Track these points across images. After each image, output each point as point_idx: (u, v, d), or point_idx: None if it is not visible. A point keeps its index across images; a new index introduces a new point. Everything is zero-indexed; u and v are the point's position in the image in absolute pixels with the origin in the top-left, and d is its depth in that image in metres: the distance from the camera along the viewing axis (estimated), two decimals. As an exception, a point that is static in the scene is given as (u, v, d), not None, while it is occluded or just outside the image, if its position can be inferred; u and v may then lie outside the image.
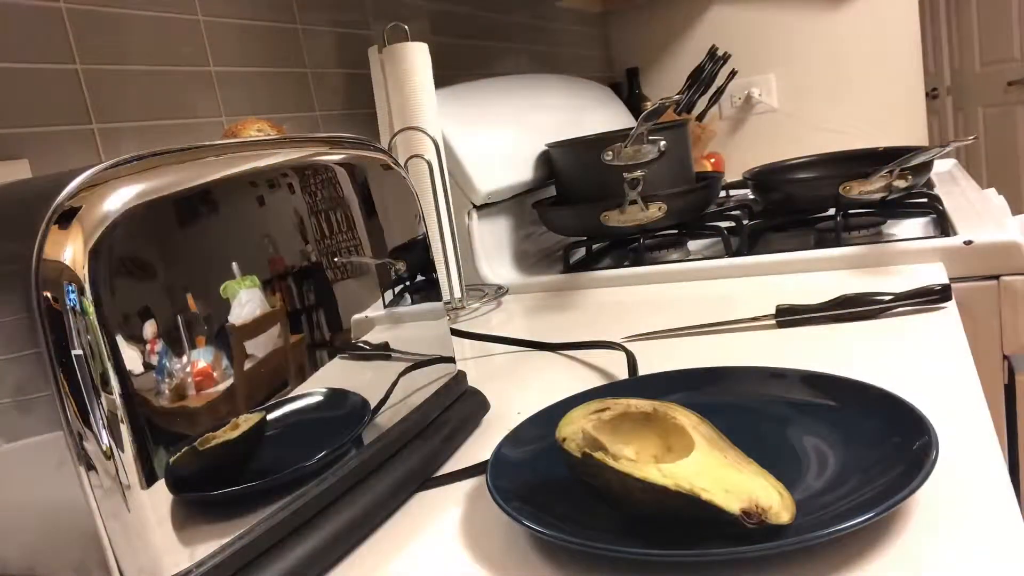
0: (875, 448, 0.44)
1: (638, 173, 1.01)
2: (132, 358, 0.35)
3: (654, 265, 1.03)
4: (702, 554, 0.37)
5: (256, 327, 0.43)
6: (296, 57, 1.02)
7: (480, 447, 0.58)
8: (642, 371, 0.67)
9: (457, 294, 1.00)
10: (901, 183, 1.01)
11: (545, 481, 0.47)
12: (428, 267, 0.62)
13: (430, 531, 0.47)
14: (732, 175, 1.56)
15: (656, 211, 1.00)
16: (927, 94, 1.97)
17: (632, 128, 1.00)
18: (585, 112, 1.53)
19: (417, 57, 0.99)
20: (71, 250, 0.34)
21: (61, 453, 0.35)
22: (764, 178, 1.25)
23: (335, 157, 0.52)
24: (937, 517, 0.39)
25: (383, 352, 0.53)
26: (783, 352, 0.67)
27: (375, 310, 0.53)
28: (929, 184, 1.16)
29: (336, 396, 0.49)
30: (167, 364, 0.38)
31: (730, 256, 1.01)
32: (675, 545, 0.39)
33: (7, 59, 0.67)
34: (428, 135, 0.98)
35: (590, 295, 1.01)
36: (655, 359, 0.70)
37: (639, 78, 2.12)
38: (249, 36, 0.95)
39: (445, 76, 1.12)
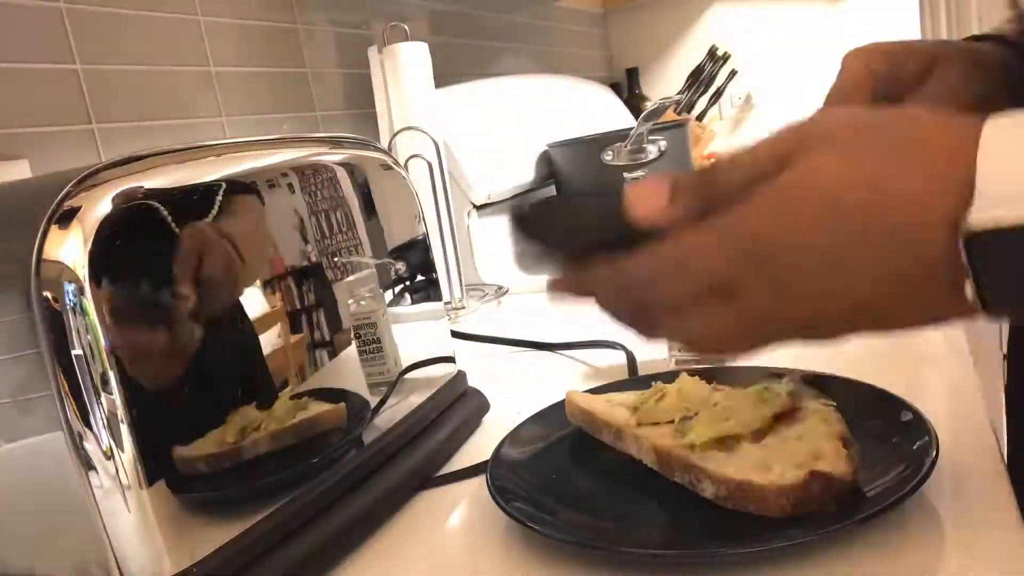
0: (875, 448, 0.44)
1: (638, 173, 1.01)
2: (132, 358, 0.35)
3: (654, 265, 1.02)
4: (702, 554, 0.37)
5: (256, 327, 0.43)
6: (296, 57, 1.02)
7: (480, 447, 0.58)
8: (642, 371, 0.67)
9: (457, 294, 1.00)
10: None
11: (545, 481, 0.47)
12: (428, 267, 0.62)
13: (430, 531, 0.47)
14: (732, 175, 1.56)
15: (656, 211, 1.00)
16: (927, 94, 1.96)
17: (632, 128, 1.00)
18: (585, 112, 1.53)
19: (417, 57, 0.99)
20: (71, 250, 0.34)
21: (61, 453, 0.35)
22: (764, 178, 1.24)
23: (335, 157, 0.52)
24: (937, 517, 0.39)
25: (383, 352, 0.53)
26: (782, 355, 0.67)
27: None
28: (929, 184, 1.16)
29: (336, 396, 0.49)
30: (167, 364, 0.38)
31: (730, 256, 1.01)
32: (675, 545, 0.39)
33: (7, 59, 0.67)
34: (428, 135, 0.98)
35: (590, 295, 1.01)
36: (655, 358, 0.70)
37: (639, 78, 2.12)
38: (249, 36, 0.95)
39: (445, 76, 1.11)
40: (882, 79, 0.43)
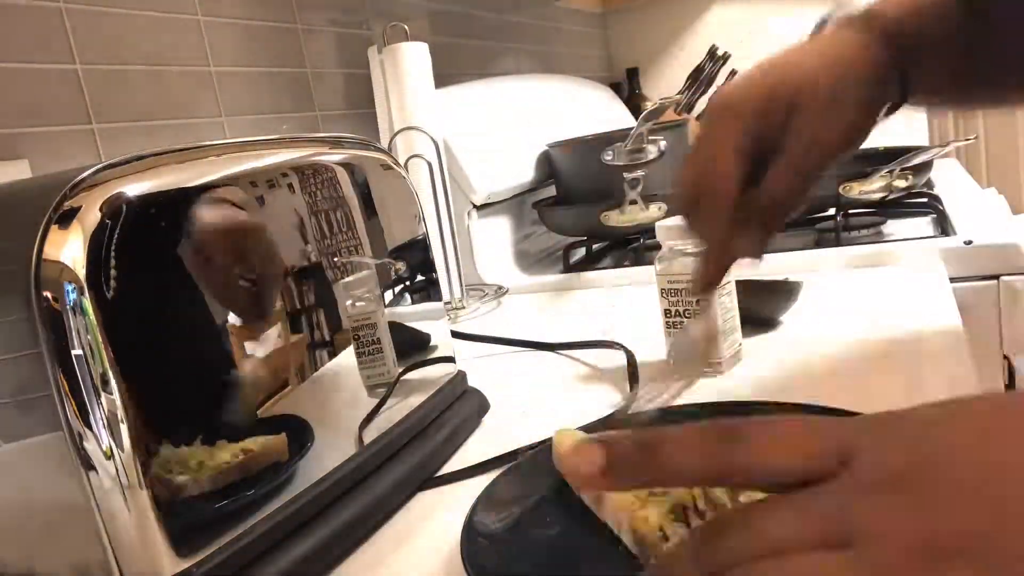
0: None
1: (638, 173, 1.01)
2: (132, 358, 0.35)
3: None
4: None
5: (256, 327, 0.43)
6: (296, 57, 1.02)
7: (480, 447, 0.58)
8: (642, 372, 0.67)
9: (457, 294, 1.00)
10: (901, 183, 1.01)
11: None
12: (428, 267, 0.62)
13: (430, 531, 0.47)
14: (732, 175, 1.56)
15: (656, 211, 1.00)
16: (927, 94, 1.96)
17: (632, 128, 1.00)
18: (585, 112, 1.53)
19: (417, 57, 0.99)
20: (71, 250, 0.34)
21: (61, 453, 0.35)
22: (764, 178, 1.24)
23: (335, 157, 0.52)
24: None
25: (383, 352, 0.53)
26: (783, 357, 0.67)
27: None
28: (929, 184, 1.16)
29: (335, 396, 0.49)
30: (167, 364, 0.38)
31: (730, 256, 1.01)
32: None
33: (7, 59, 0.67)
34: (428, 135, 0.98)
35: (590, 295, 1.01)
36: (656, 359, 0.70)
37: (639, 78, 2.11)
38: (249, 36, 0.95)
39: (445, 76, 1.11)
40: (749, 138, 0.41)
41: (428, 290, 0.61)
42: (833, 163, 0.43)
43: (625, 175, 1.01)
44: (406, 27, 1.02)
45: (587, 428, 0.54)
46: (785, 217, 0.43)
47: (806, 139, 0.41)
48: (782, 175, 0.41)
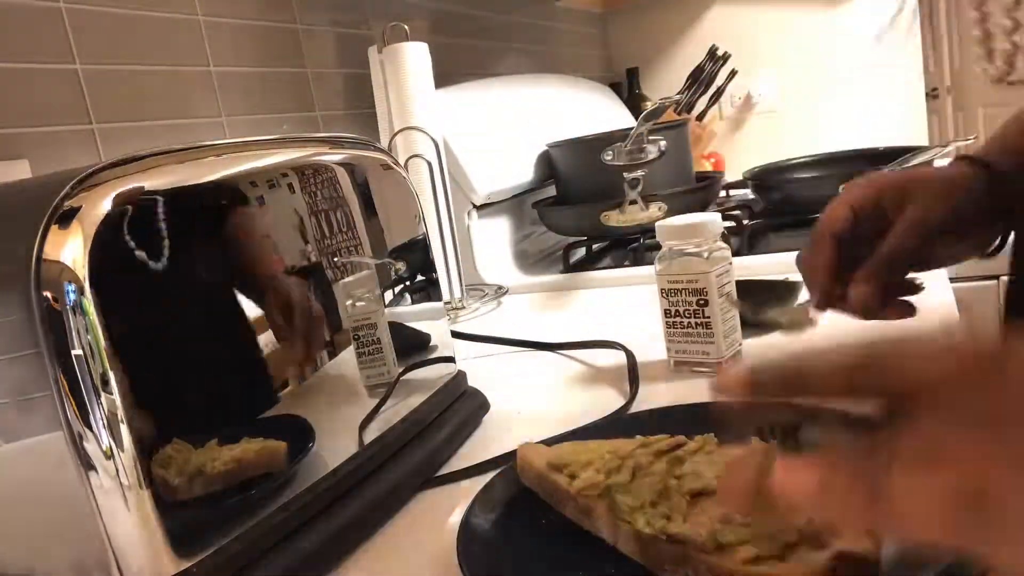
0: None
1: (638, 173, 1.01)
2: (132, 358, 0.35)
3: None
4: None
5: (256, 327, 0.43)
6: (296, 57, 1.02)
7: (480, 447, 0.58)
8: (642, 372, 0.67)
9: (457, 294, 1.00)
10: (901, 183, 1.01)
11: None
12: (428, 267, 0.62)
13: (430, 531, 0.47)
14: (732, 175, 1.56)
15: (656, 211, 1.00)
16: (927, 94, 1.96)
17: (632, 128, 1.00)
18: (585, 112, 1.53)
19: (417, 57, 0.99)
20: (71, 250, 0.34)
21: (61, 453, 0.35)
22: (764, 178, 1.25)
23: (335, 157, 0.52)
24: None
25: (383, 352, 0.53)
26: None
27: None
28: (929, 184, 1.16)
29: (335, 396, 0.49)
30: (167, 364, 0.38)
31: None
32: None
33: (7, 59, 0.67)
34: (428, 135, 0.98)
35: (590, 295, 1.01)
36: (656, 359, 0.70)
37: (639, 78, 2.11)
38: (249, 36, 0.95)
39: (445, 76, 1.11)
40: (866, 213, 0.50)
41: (428, 290, 0.61)
42: (931, 235, 0.49)
43: (625, 175, 1.01)
44: (406, 27, 1.02)
45: (586, 430, 0.54)
46: (900, 275, 0.50)
47: (916, 215, 0.48)
48: (895, 237, 0.48)
